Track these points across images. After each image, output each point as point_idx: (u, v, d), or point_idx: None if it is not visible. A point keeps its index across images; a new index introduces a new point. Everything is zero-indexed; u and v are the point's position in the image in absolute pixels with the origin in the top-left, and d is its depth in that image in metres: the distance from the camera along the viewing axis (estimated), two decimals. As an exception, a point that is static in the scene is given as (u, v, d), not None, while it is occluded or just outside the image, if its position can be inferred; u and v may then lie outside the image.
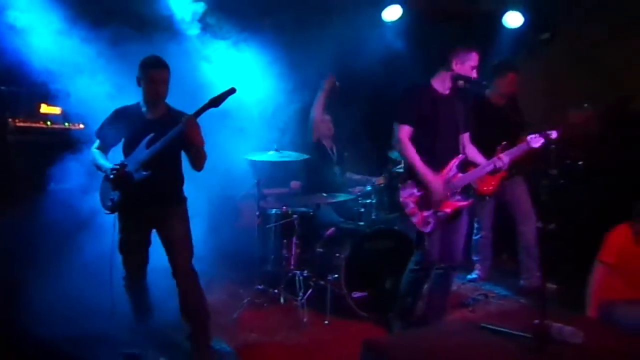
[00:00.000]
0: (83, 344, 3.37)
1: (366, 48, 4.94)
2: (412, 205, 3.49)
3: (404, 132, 3.46)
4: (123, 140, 3.37)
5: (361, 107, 5.63)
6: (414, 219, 3.48)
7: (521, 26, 5.66)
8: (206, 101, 3.15)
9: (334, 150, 5.07)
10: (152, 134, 3.19)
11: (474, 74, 3.45)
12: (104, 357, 3.29)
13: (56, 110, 4.43)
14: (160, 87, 3.26)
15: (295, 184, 5.02)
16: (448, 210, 3.47)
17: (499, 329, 2.83)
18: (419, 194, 3.48)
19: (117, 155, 3.43)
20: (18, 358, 3.23)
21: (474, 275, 5.06)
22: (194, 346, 3.35)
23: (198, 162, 3.29)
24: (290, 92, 4.55)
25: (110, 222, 3.34)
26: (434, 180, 3.42)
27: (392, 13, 5.40)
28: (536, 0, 5.61)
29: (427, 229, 3.47)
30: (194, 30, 4.23)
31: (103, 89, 3.96)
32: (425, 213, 3.47)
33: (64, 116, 4.41)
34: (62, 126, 4.36)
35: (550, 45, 5.84)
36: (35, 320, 3.50)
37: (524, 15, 5.58)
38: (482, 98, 4.63)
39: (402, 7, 5.36)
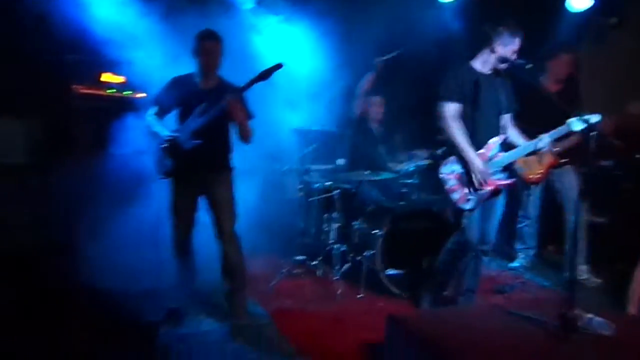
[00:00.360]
0: (132, 297, 3.64)
1: (419, 28, 4.88)
2: (453, 181, 3.50)
3: (449, 109, 3.46)
4: (177, 108, 3.55)
5: (414, 88, 5.59)
6: (455, 196, 3.49)
7: (588, 9, 5.40)
8: (254, 75, 3.28)
9: (380, 130, 5.08)
10: (204, 104, 3.35)
11: (514, 57, 3.41)
12: (150, 310, 3.52)
13: (120, 79, 4.70)
14: (212, 58, 3.42)
15: (341, 161, 5.08)
16: (489, 188, 3.45)
17: (527, 315, 2.84)
18: (461, 170, 3.49)
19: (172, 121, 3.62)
20: (72, 308, 3.52)
21: (516, 264, 4.99)
22: (231, 304, 3.57)
23: (243, 136, 3.45)
24: (339, 69, 4.59)
25: (162, 186, 3.57)
26: (476, 159, 3.42)
27: (449, -7, 5.31)
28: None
29: (467, 206, 3.47)
30: (248, 4, 4.34)
31: (162, 59, 4.18)
32: (467, 190, 3.48)
33: (127, 84, 4.69)
34: (121, 94, 4.64)
35: (618, 31, 5.54)
36: (89, 273, 3.81)
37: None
38: (535, 83, 4.50)
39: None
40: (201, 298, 3.76)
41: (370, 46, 4.86)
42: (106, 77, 4.58)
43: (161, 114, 3.59)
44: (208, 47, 3.40)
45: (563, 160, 4.51)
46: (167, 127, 3.52)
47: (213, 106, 3.31)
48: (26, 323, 3.22)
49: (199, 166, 3.43)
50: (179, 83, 3.52)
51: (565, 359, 2.35)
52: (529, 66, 3.30)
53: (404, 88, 5.28)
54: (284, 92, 4.41)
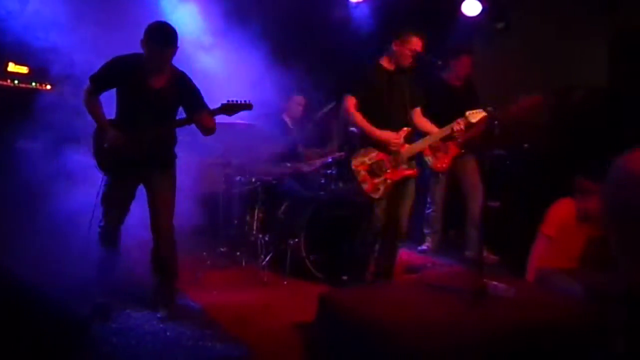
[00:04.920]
0: (56, 290, 3.47)
1: (331, 26, 5.11)
2: (363, 172, 3.80)
3: (351, 102, 3.79)
4: (120, 97, 3.38)
5: (325, 85, 5.82)
6: (365, 186, 3.80)
7: (478, 15, 6.00)
8: (219, 105, 3.35)
9: (294, 124, 5.24)
10: (155, 106, 3.31)
11: (422, 54, 3.77)
12: (76, 305, 3.38)
13: (23, 69, 4.44)
14: (165, 62, 3.31)
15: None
16: (395, 178, 3.81)
17: (441, 285, 3.16)
18: (369, 162, 3.79)
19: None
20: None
21: (424, 247, 5.42)
22: (160, 298, 3.54)
23: (208, 132, 3.47)
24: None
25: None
26: (385, 133, 3.75)
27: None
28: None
29: (377, 195, 3.79)
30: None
31: (72, 49, 4.03)
32: (376, 180, 3.79)
33: (32, 76, 4.44)
34: (29, 85, 4.39)
35: (505, 35, 6.20)
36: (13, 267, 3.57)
37: (482, 4, 5.91)
38: (440, 78, 4.98)
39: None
40: (125, 291, 3.68)
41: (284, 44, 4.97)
42: (12, 67, 4.30)
43: (98, 92, 3.39)
44: (163, 51, 3.25)
45: (464, 151, 4.99)
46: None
47: (164, 107, 3.33)
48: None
49: (145, 162, 3.38)
50: (123, 67, 3.30)
51: (481, 318, 2.68)
52: (439, 63, 3.65)
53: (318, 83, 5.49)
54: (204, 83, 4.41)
